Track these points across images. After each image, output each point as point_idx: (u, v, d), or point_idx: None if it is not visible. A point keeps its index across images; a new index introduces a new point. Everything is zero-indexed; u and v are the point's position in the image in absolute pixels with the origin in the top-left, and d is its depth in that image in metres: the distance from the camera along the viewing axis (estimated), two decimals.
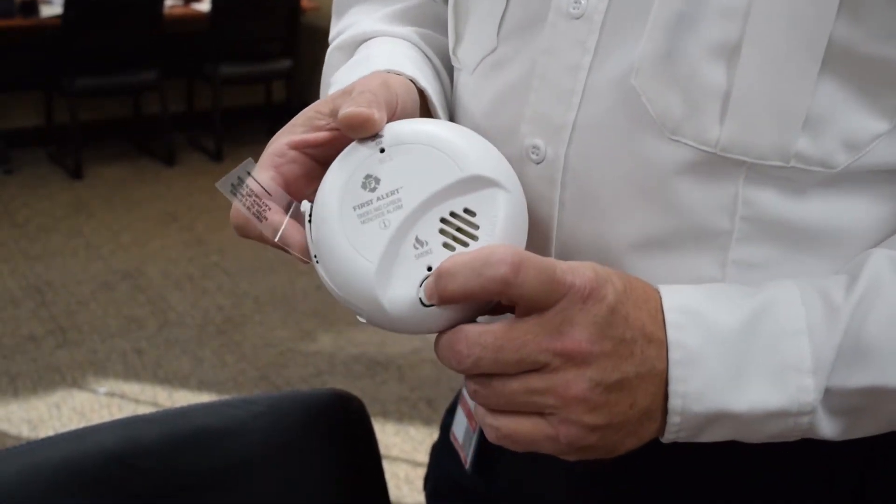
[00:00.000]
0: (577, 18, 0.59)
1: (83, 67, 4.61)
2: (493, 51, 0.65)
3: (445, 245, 0.53)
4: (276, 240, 0.58)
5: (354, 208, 0.54)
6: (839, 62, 0.52)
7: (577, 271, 0.51)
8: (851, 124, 0.53)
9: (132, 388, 2.92)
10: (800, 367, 0.52)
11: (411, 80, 0.65)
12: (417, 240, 0.53)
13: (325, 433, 0.82)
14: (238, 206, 0.57)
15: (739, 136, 0.55)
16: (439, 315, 0.53)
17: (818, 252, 0.57)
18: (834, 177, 0.55)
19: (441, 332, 0.54)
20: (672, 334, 0.53)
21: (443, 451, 0.84)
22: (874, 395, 0.53)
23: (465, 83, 0.69)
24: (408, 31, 0.74)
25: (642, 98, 0.57)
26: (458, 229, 0.53)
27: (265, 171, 0.59)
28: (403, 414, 2.80)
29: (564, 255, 0.62)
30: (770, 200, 0.56)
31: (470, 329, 0.52)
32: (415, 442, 2.66)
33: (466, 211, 0.54)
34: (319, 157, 0.61)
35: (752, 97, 0.54)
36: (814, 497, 0.64)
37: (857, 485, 0.64)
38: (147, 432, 0.76)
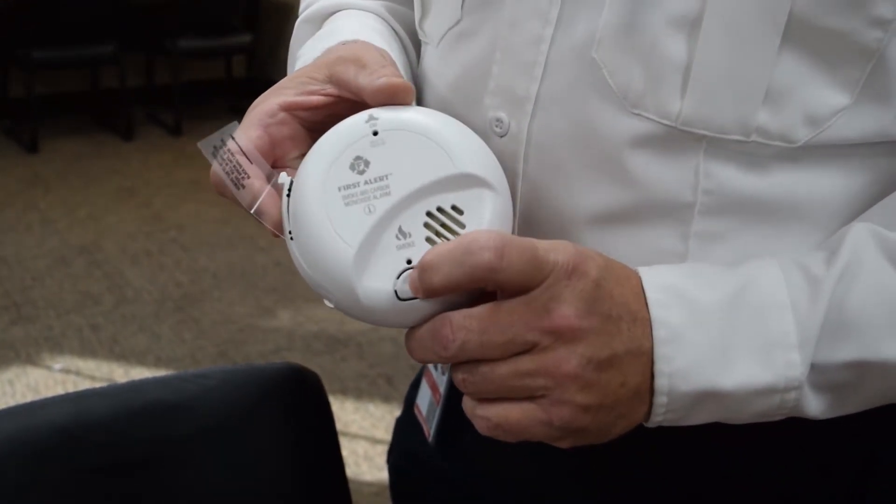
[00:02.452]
0: None
1: (40, 39, 4.54)
2: (458, 23, 0.65)
3: (428, 239, 0.52)
4: (251, 211, 0.56)
5: (339, 188, 0.52)
6: (799, 35, 0.52)
7: (559, 249, 0.51)
8: (812, 98, 0.53)
9: (88, 365, 2.90)
10: (785, 343, 0.52)
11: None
12: (401, 230, 0.52)
13: (280, 407, 0.81)
14: (217, 170, 0.56)
15: (700, 110, 0.54)
16: (413, 309, 0.51)
17: (783, 226, 0.57)
18: (795, 151, 0.55)
19: (413, 327, 0.53)
20: (656, 312, 0.52)
21: (406, 425, 0.84)
22: (859, 369, 0.53)
23: (431, 56, 0.69)
24: (375, 4, 0.75)
25: (603, 71, 0.56)
26: (443, 225, 0.52)
27: (253, 128, 0.58)
28: (363, 391, 2.80)
29: (526, 229, 0.62)
30: (732, 174, 0.56)
31: (454, 314, 0.51)
32: (374, 419, 2.66)
33: (454, 208, 0.52)
34: (308, 123, 0.60)
35: (712, 71, 0.54)
36: (813, 494, 0.64)
37: (856, 481, 0.64)
38: (98, 406, 0.75)
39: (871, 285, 0.52)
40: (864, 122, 0.54)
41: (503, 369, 0.51)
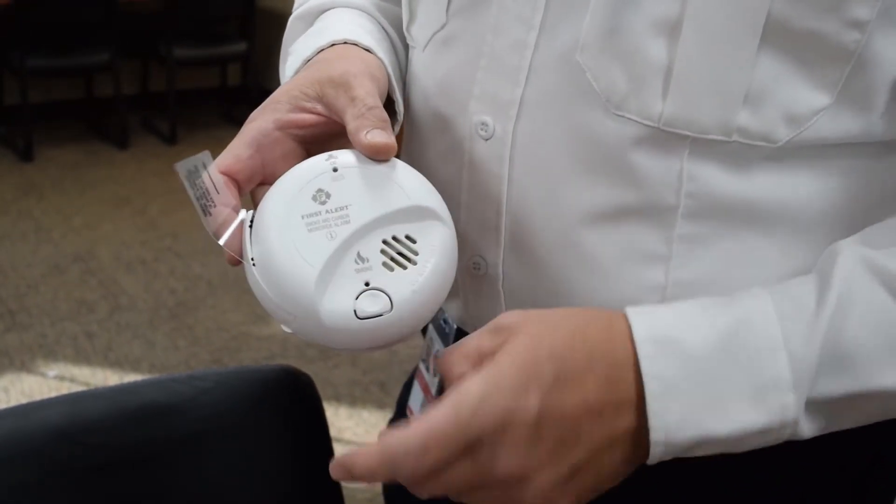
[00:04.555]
0: None
1: (34, 47, 4.53)
2: (443, 27, 0.65)
3: (385, 265, 0.56)
4: (216, 238, 0.58)
5: (303, 217, 0.56)
6: (777, 37, 0.53)
7: (486, 408, 0.49)
8: (791, 98, 0.54)
9: (82, 372, 2.89)
10: (780, 385, 0.52)
11: (368, 50, 0.66)
12: (359, 255, 0.55)
13: (273, 409, 0.82)
14: (189, 194, 0.58)
15: (682, 111, 0.55)
16: (372, 329, 0.55)
17: (767, 230, 0.57)
18: (777, 151, 0.55)
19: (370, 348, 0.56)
20: (647, 366, 0.52)
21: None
22: (858, 398, 0.53)
23: (418, 61, 0.70)
24: (366, 2, 0.75)
25: (587, 74, 0.57)
26: (399, 252, 0.56)
27: (245, 147, 0.60)
28: (356, 398, 2.79)
29: (516, 231, 0.63)
30: (715, 175, 0.56)
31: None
32: (368, 425, 2.66)
33: (408, 237, 0.56)
34: (300, 138, 0.62)
35: (693, 72, 0.54)
36: (818, 494, 0.65)
37: (861, 481, 0.65)
38: (93, 408, 0.76)
39: (867, 314, 0.52)
40: (846, 122, 0.54)
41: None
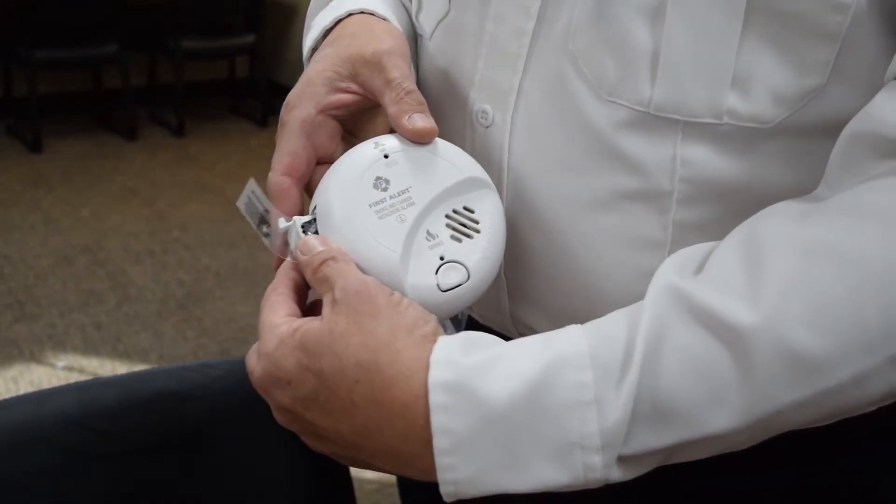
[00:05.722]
0: None
1: (42, 39, 4.54)
2: (446, 16, 0.66)
3: (453, 237, 0.59)
4: (281, 256, 0.61)
5: (370, 205, 0.59)
6: (760, 20, 0.53)
7: (291, 347, 0.54)
8: (778, 80, 0.54)
9: (91, 363, 2.91)
10: (586, 444, 0.48)
11: (384, 20, 0.67)
12: (429, 233, 0.59)
13: None
14: (249, 222, 0.61)
15: (671, 96, 0.56)
16: (454, 298, 0.59)
17: None
18: (771, 133, 0.55)
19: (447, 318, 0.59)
20: (437, 420, 0.49)
21: None
22: (677, 448, 0.50)
23: (426, 49, 0.71)
24: None
25: (579, 61, 0.58)
26: (462, 224, 0.60)
27: (296, 139, 0.62)
28: None
29: (515, 218, 0.64)
30: (709, 160, 0.56)
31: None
32: None
33: (465, 209, 0.60)
34: (340, 117, 0.64)
35: (679, 56, 0.55)
36: (822, 494, 0.64)
37: (864, 481, 0.65)
38: (104, 395, 0.76)
39: (683, 360, 0.48)
40: (840, 103, 0.54)
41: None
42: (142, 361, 2.93)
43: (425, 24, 0.70)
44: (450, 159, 0.61)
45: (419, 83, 0.72)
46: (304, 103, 0.63)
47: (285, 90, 0.67)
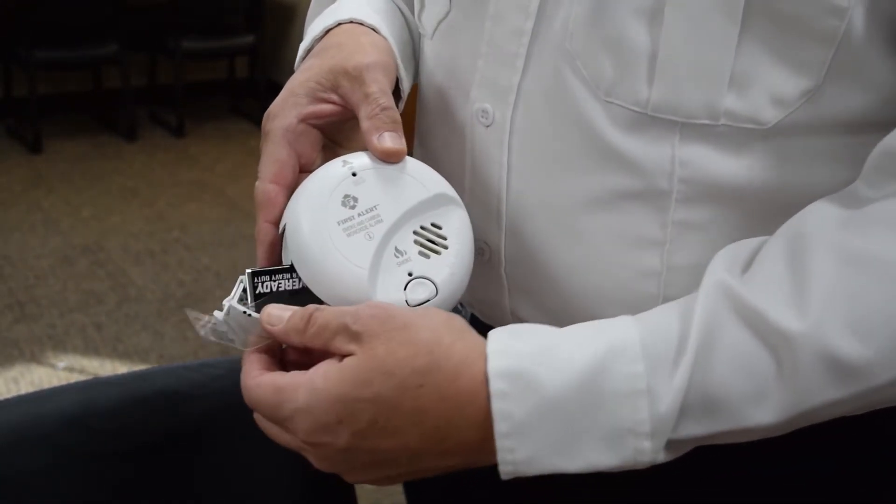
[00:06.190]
0: None
1: (42, 39, 4.54)
2: (447, 15, 0.67)
3: (421, 253, 0.60)
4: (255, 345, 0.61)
5: (338, 223, 0.59)
6: (758, 21, 0.53)
7: (300, 419, 0.54)
8: (776, 80, 0.54)
9: (91, 363, 2.91)
10: (638, 431, 0.51)
11: (373, 29, 0.68)
12: (397, 249, 0.59)
13: None
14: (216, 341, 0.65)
15: (668, 96, 0.56)
16: None
17: (763, 214, 0.57)
18: (769, 134, 0.55)
19: None
20: (497, 405, 0.51)
21: None
22: (722, 435, 0.52)
23: (428, 49, 0.71)
24: None
25: (577, 61, 0.58)
26: (429, 240, 0.60)
27: (281, 148, 0.63)
28: None
29: (516, 217, 0.64)
30: (707, 160, 0.57)
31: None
32: None
33: (433, 225, 0.61)
34: (320, 126, 0.64)
35: (676, 58, 0.55)
36: (828, 495, 0.65)
37: (874, 481, 0.65)
38: (105, 395, 0.76)
39: (732, 358, 0.51)
40: (837, 104, 0.54)
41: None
42: (142, 362, 2.93)
43: (427, 23, 0.70)
44: (418, 177, 0.62)
45: (421, 82, 0.72)
46: (285, 112, 0.64)
47: None
